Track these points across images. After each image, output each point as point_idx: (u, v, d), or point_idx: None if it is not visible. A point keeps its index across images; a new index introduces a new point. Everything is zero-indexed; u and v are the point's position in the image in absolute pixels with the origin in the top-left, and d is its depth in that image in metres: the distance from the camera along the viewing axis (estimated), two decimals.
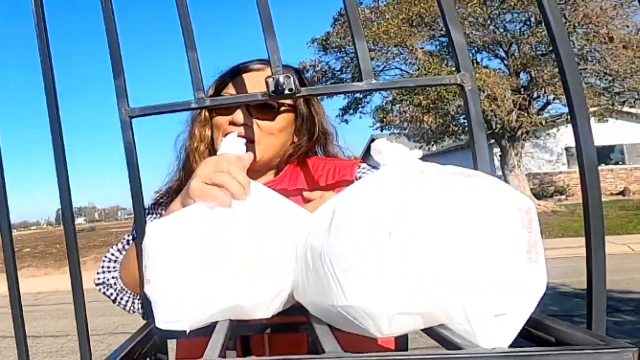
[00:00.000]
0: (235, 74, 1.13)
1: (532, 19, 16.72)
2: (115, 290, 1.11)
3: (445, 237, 0.55)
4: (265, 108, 1.09)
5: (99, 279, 1.13)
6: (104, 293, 1.13)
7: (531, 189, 18.71)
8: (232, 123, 1.08)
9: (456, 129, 17.69)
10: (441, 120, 17.19)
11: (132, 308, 1.11)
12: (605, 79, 16.67)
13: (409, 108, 17.18)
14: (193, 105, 0.82)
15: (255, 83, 1.08)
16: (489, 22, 17.18)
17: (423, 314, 0.56)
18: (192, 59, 0.81)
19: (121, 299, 1.11)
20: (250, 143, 1.07)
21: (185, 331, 0.69)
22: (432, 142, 19.26)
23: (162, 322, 0.70)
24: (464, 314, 0.55)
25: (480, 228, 0.56)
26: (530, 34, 16.54)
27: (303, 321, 0.73)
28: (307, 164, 1.19)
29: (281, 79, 0.78)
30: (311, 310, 0.67)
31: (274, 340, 0.98)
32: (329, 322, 0.64)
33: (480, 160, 0.80)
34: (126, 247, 1.15)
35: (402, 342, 0.97)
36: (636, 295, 6.38)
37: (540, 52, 16.73)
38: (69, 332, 6.56)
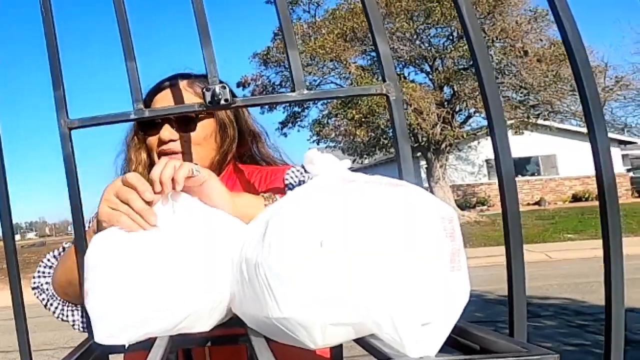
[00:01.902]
0: (152, 95, 1.15)
1: (455, 34, 17.48)
2: (47, 295, 1.08)
3: (373, 247, 0.56)
4: (185, 120, 1.11)
5: (34, 282, 1.10)
6: (37, 297, 1.10)
7: (455, 200, 19.42)
8: (159, 141, 1.09)
9: (386, 142, 18.15)
10: (372, 134, 17.60)
11: (60, 315, 1.08)
12: (521, 92, 17.65)
13: (343, 122, 17.48)
14: (132, 117, 0.81)
15: (168, 100, 1.11)
16: (415, 36, 17.79)
17: (354, 325, 0.57)
18: (131, 69, 0.80)
19: (51, 304, 1.08)
20: (176, 156, 1.10)
21: (125, 345, 0.67)
22: (365, 155, 19.66)
23: (101, 337, 0.67)
24: (392, 324, 0.56)
25: (406, 237, 0.57)
26: (452, 49, 17.27)
27: (242, 333, 0.72)
28: (242, 171, 1.21)
29: (217, 90, 0.78)
30: (248, 322, 0.67)
31: (215, 352, 1.00)
32: (265, 334, 0.63)
33: (405, 171, 0.82)
34: (62, 254, 1.12)
35: (337, 352, 0.98)
36: (554, 301, 6.75)
37: (462, 66, 17.48)
38: None
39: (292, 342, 0.59)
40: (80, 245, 0.79)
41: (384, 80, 0.83)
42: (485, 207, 20.89)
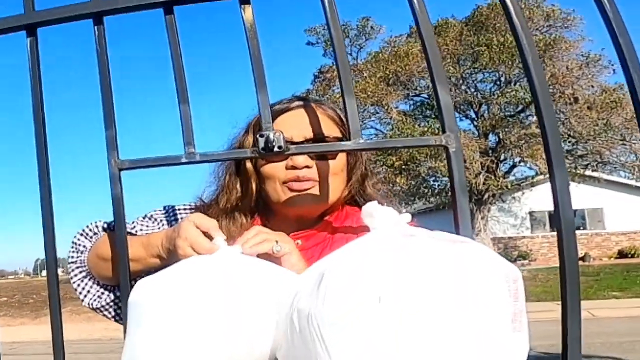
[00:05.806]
0: (276, 115, 1.04)
1: (502, 79, 17.18)
2: (84, 271, 1.08)
3: (434, 304, 0.55)
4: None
5: (71, 257, 1.09)
6: (73, 273, 1.09)
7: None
8: (292, 167, 1.00)
9: (426, 191, 17.83)
10: (412, 182, 17.32)
11: (93, 297, 1.07)
12: (569, 141, 17.01)
13: (382, 169, 17.38)
14: (183, 160, 0.80)
15: (300, 120, 1.04)
16: (461, 81, 17.62)
17: None
18: (184, 112, 0.80)
19: (85, 284, 1.08)
20: (312, 185, 1.02)
21: None
22: (403, 204, 19.44)
23: None
24: None
25: (469, 296, 0.56)
26: (499, 94, 16.94)
27: None
28: (353, 215, 1.11)
29: (271, 136, 0.78)
30: None
31: None
32: None
33: (462, 225, 0.76)
34: (97, 233, 1.10)
35: None
36: None
37: (509, 113, 17.10)
38: None
39: None
40: (125, 290, 0.79)
41: (444, 131, 0.78)
42: (526, 261, 20.10)
